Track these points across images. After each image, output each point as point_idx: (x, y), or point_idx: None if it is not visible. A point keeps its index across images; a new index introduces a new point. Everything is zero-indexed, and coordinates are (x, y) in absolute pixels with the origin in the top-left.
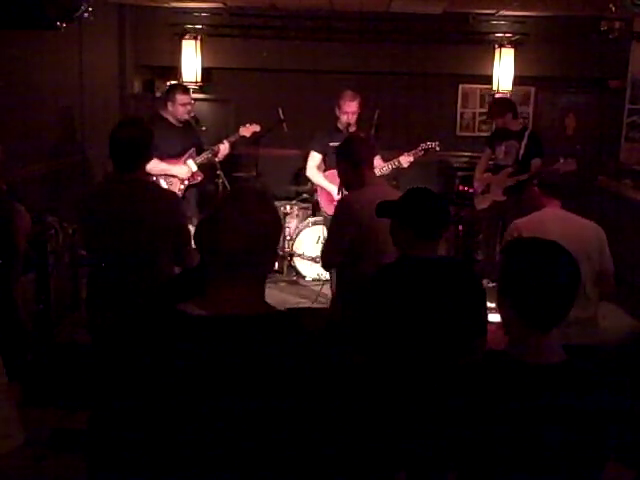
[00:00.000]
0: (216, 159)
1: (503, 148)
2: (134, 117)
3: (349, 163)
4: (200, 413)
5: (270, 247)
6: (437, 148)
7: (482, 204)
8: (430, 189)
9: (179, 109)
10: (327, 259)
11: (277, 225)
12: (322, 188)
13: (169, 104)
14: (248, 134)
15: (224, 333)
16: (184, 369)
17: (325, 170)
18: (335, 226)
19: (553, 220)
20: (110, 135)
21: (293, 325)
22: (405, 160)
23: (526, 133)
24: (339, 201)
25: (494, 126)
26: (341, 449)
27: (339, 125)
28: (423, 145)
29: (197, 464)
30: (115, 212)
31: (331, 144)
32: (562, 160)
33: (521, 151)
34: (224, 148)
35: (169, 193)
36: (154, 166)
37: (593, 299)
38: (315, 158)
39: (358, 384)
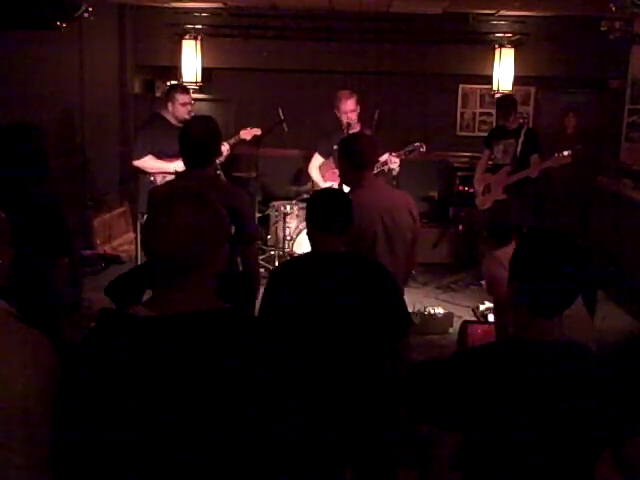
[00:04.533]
0: (216, 161)
1: (501, 147)
2: (205, 115)
3: (349, 163)
4: (151, 413)
5: (211, 248)
6: (422, 149)
7: (485, 204)
8: (333, 189)
9: (179, 109)
10: None
11: (217, 226)
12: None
13: (169, 104)
14: (249, 137)
15: (171, 332)
16: (131, 371)
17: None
18: None
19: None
20: (180, 132)
21: (243, 321)
22: (393, 163)
23: (523, 130)
24: None
25: (494, 124)
26: (290, 444)
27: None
28: (409, 147)
29: (150, 464)
30: (168, 209)
31: (335, 147)
32: (557, 155)
33: (518, 148)
34: (224, 150)
35: (239, 190)
36: (151, 164)
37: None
38: (317, 159)
39: (304, 379)
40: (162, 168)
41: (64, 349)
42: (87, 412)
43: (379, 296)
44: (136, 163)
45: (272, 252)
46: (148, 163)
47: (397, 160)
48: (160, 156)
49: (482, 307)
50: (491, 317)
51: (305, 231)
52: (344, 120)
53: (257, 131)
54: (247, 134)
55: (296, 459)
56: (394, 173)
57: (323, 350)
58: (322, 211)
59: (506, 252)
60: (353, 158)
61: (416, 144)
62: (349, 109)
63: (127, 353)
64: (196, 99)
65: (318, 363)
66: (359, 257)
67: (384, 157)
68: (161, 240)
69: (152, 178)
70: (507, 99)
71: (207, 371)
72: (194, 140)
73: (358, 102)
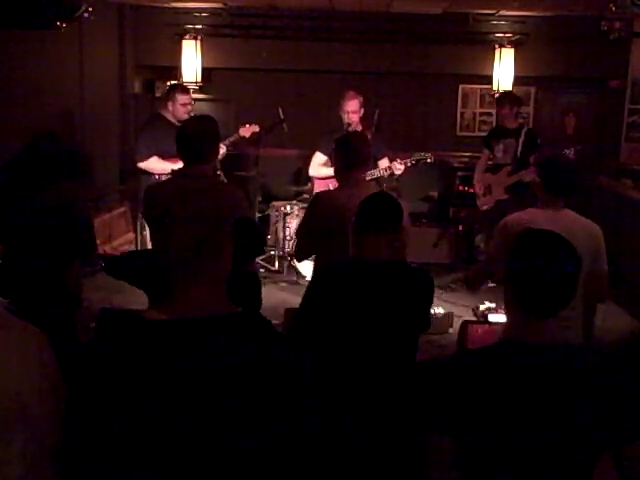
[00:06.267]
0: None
1: (501, 147)
2: (203, 115)
3: (341, 160)
4: (163, 418)
5: (220, 244)
6: (429, 160)
7: (486, 205)
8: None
9: (179, 109)
10: (296, 251)
11: (225, 222)
12: (324, 180)
13: (169, 104)
14: (247, 134)
15: (181, 337)
16: (139, 376)
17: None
18: (303, 219)
19: (543, 216)
20: (177, 131)
21: (254, 325)
22: (397, 169)
23: (523, 131)
24: (313, 195)
25: (494, 124)
26: (305, 447)
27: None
28: (416, 155)
29: (157, 468)
30: (176, 206)
31: None
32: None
33: (519, 149)
34: (221, 150)
35: (234, 189)
36: (155, 166)
37: (578, 299)
38: (320, 158)
39: (317, 384)
40: (168, 170)
41: (79, 347)
42: (99, 416)
43: (417, 304)
44: (141, 165)
45: (272, 252)
46: (154, 164)
47: (402, 167)
48: (164, 156)
49: (482, 307)
50: (491, 317)
51: None
52: (344, 119)
53: (255, 128)
54: (246, 131)
55: (307, 462)
56: (395, 177)
57: (365, 355)
58: (371, 213)
59: (518, 216)
60: (346, 157)
61: (425, 154)
62: (351, 109)
63: (141, 358)
64: (196, 99)
65: (359, 368)
66: (404, 265)
67: (384, 163)
68: (172, 235)
69: (157, 177)
70: (509, 94)
71: (222, 377)
72: (188, 135)
73: (363, 104)
